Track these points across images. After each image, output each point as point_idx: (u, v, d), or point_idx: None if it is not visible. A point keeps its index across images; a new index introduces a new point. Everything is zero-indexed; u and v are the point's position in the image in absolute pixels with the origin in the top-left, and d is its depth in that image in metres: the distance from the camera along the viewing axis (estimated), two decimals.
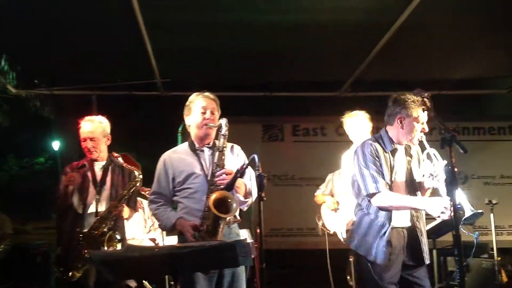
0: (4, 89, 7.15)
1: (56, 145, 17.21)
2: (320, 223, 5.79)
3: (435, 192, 3.70)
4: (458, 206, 3.25)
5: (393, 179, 3.74)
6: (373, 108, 5.44)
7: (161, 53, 5.93)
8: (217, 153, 3.64)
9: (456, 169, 2.75)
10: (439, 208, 3.41)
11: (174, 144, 4.04)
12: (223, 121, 3.63)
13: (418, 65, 6.59)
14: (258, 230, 3.18)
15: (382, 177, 3.70)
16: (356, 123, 5.25)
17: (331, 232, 5.63)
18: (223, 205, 3.46)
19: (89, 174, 4.43)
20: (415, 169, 3.81)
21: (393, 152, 3.80)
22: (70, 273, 4.07)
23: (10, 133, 18.39)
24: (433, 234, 5.23)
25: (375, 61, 6.15)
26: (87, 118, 4.55)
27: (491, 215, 6.13)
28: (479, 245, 6.07)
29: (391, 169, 3.75)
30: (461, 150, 2.75)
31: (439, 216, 3.42)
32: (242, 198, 3.71)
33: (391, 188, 3.70)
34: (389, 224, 3.67)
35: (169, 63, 6.34)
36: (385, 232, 3.67)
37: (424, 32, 5.52)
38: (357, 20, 5.22)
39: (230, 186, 3.47)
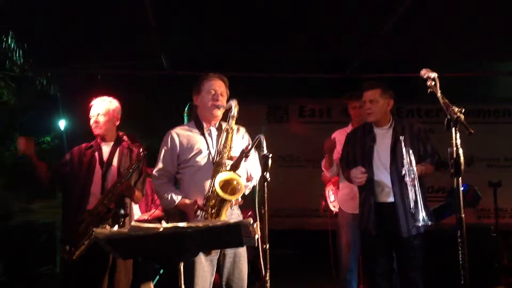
0: (11, 67, 7.15)
1: (62, 124, 17.23)
2: (323, 203, 5.83)
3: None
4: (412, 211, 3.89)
5: (374, 155, 4.24)
6: None
7: (167, 32, 5.91)
8: (224, 134, 3.66)
9: (461, 151, 2.74)
10: (353, 177, 4.19)
11: (180, 123, 4.05)
12: (233, 102, 3.64)
13: (426, 46, 6.54)
14: (263, 211, 3.19)
15: (345, 156, 4.48)
16: None
17: (334, 213, 5.68)
18: (228, 186, 3.48)
19: (96, 154, 4.47)
20: (401, 148, 4.06)
21: (371, 133, 4.32)
22: (75, 251, 4.10)
23: (17, 112, 18.41)
24: (435, 216, 5.28)
25: (383, 42, 6.09)
26: (98, 98, 4.58)
27: (494, 197, 6.17)
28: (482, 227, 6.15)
29: (369, 148, 4.26)
30: (466, 131, 2.75)
31: (359, 183, 4.16)
32: (244, 182, 3.73)
33: (371, 163, 4.23)
34: (373, 199, 4.19)
35: (174, 42, 6.32)
36: (371, 206, 4.18)
37: (433, 13, 5.48)
38: None
39: (235, 167, 3.49)
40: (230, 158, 3.61)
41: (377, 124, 4.33)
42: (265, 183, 3.10)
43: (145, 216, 5.74)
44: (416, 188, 3.88)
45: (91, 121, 4.50)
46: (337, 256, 5.37)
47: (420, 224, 3.86)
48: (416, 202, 3.86)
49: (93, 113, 4.50)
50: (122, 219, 4.13)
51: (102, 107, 4.49)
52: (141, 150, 4.37)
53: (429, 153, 4.23)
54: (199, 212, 3.55)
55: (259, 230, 2.81)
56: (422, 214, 3.81)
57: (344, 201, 5.23)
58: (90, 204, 4.28)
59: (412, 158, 3.94)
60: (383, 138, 4.29)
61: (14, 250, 6.46)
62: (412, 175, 3.90)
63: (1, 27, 6.19)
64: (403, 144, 4.00)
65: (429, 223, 3.85)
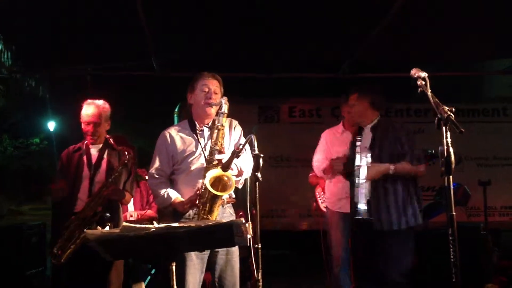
0: None
1: (51, 125, 17.13)
2: (314, 204, 5.84)
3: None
4: None
5: (357, 150, 4.43)
6: None
7: (157, 33, 5.89)
8: (215, 132, 3.67)
9: (452, 150, 2.76)
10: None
11: (171, 125, 4.05)
12: (223, 99, 3.65)
13: (418, 46, 6.55)
14: (254, 211, 3.20)
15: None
16: None
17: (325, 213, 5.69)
18: (219, 183, 3.50)
19: (84, 157, 4.44)
20: (385, 145, 4.31)
21: (359, 130, 4.56)
22: (62, 255, 4.10)
23: (5, 114, 18.32)
24: (424, 215, 5.33)
25: (375, 42, 6.09)
26: (90, 101, 4.54)
27: (483, 195, 6.22)
28: (472, 225, 6.18)
29: (353, 143, 4.53)
30: (456, 130, 2.76)
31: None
32: (234, 178, 3.75)
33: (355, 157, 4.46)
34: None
35: (165, 43, 6.30)
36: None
37: (424, 13, 5.49)
38: None
39: (227, 167, 3.49)
40: (221, 152, 3.62)
41: (363, 124, 4.56)
42: (257, 183, 3.11)
43: (134, 214, 5.72)
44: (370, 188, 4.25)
45: (85, 129, 4.47)
46: (328, 254, 5.41)
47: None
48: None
49: (83, 119, 4.46)
50: (108, 223, 4.11)
51: (94, 115, 4.45)
52: (127, 152, 4.35)
53: (406, 152, 4.28)
54: (191, 211, 3.59)
55: (251, 230, 2.82)
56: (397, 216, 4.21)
57: (332, 202, 5.34)
58: (78, 207, 4.28)
59: (369, 159, 4.25)
60: (367, 135, 4.47)
61: (4, 252, 6.41)
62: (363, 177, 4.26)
63: None
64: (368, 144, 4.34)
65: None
